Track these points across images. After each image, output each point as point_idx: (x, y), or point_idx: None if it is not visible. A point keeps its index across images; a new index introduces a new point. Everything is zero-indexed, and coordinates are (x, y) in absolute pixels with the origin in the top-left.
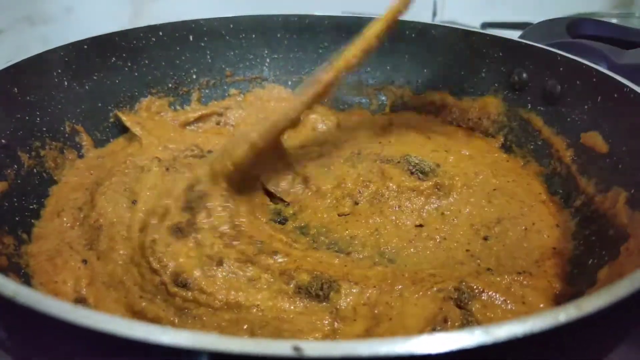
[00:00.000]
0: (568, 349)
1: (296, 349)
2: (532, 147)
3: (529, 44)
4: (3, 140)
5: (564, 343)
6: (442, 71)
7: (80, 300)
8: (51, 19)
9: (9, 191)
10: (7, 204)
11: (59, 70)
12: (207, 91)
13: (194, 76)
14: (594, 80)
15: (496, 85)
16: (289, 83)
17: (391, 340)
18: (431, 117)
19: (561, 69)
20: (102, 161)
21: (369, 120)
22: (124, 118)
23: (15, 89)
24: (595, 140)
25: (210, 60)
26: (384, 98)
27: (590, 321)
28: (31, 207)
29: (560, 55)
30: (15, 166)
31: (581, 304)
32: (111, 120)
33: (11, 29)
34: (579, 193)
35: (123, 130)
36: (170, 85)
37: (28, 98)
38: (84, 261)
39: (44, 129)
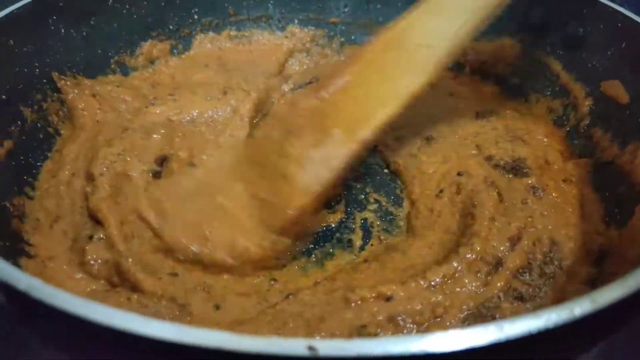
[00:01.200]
0: (579, 342)
1: (311, 348)
2: (549, 93)
3: None
4: (4, 96)
5: (578, 336)
6: None
7: None
8: None
9: (15, 149)
10: (14, 163)
11: (54, 17)
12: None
13: (196, 16)
14: (619, 24)
15: (514, 26)
16: (295, 21)
17: (405, 339)
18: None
19: (584, 10)
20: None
21: None
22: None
23: (11, 41)
24: (616, 89)
25: None
26: None
27: (604, 314)
28: (38, 164)
29: None
30: (19, 122)
31: (595, 297)
32: (112, 67)
33: None
34: (595, 145)
35: (124, 74)
36: (171, 27)
37: (25, 49)
38: None
39: (44, 80)
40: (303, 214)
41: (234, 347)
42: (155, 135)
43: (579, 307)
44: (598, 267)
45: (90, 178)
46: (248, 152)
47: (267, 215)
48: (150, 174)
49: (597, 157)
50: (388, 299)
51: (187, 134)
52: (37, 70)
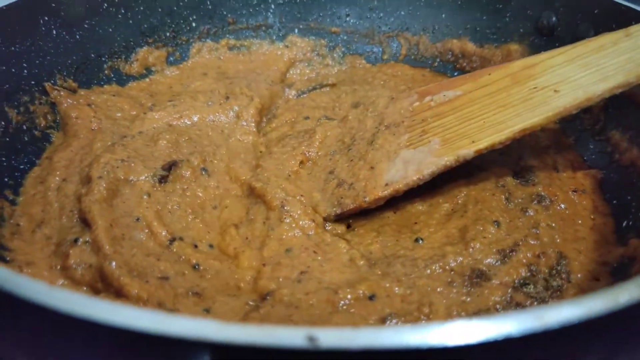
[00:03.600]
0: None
1: (311, 338)
2: None
3: None
4: None
5: (623, 328)
6: (462, 16)
7: None
8: None
9: None
10: None
11: (46, 18)
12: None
13: (194, 24)
14: (633, 23)
15: (521, 30)
16: (296, 31)
17: (421, 328)
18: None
19: (596, 11)
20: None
21: None
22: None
23: None
24: (632, 88)
25: (210, 7)
26: (397, 46)
27: None
28: (21, 167)
29: None
30: (3, 123)
31: None
32: (106, 72)
33: None
34: (612, 148)
35: (119, 82)
36: (168, 34)
37: (13, 48)
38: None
39: (33, 82)
40: (374, 205)
41: (225, 339)
42: (161, 142)
43: (626, 293)
44: (618, 276)
45: (87, 181)
46: (336, 130)
47: (341, 194)
48: (157, 179)
49: (614, 161)
50: (371, 297)
51: (194, 137)
52: (25, 71)
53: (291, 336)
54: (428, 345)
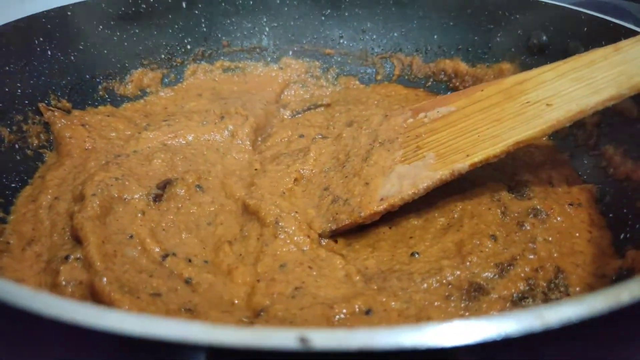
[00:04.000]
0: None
1: (302, 340)
2: None
3: (550, 4)
4: None
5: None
6: (454, 37)
7: None
8: None
9: None
10: None
11: (41, 39)
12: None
13: (188, 46)
14: (622, 39)
15: (512, 50)
16: (290, 53)
17: (418, 329)
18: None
19: (585, 29)
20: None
21: None
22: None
23: None
24: (624, 103)
25: (205, 29)
26: (390, 67)
27: None
28: (12, 185)
29: (585, 13)
30: None
31: None
32: (100, 93)
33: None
34: (607, 162)
35: (113, 103)
36: (162, 56)
37: (7, 68)
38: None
39: (26, 101)
40: (369, 220)
41: (218, 342)
42: (155, 160)
43: (627, 292)
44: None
45: (80, 198)
46: (331, 147)
47: (336, 210)
48: (151, 198)
49: (609, 175)
50: (367, 312)
51: (188, 156)
52: (19, 90)
53: (283, 337)
54: (425, 345)
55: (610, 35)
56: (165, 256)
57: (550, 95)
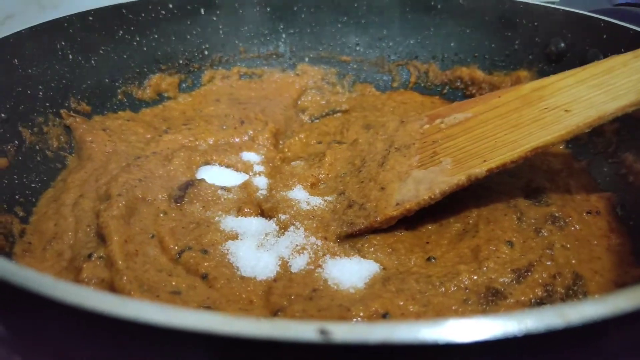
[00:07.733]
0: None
1: (323, 332)
2: None
3: (569, 11)
4: (3, 114)
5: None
6: (471, 44)
7: None
8: (61, 3)
9: (9, 168)
10: (6, 181)
11: (63, 43)
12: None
13: (206, 52)
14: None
15: (530, 57)
16: (306, 59)
17: (442, 323)
18: None
19: (604, 36)
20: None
21: None
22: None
23: (16, 60)
24: None
25: (222, 36)
26: (406, 74)
27: None
28: (32, 185)
29: (604, 21)
30: (16, 142)
31: None
32: (119, 97)
33: (21, 13)
34: (626, 169)
35: (132, 108)
36: (180, 61)
37: (30, 71)
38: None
39: (47, 104)
40: (385, 224)
41: (236, 332)
42: (175, 160)
43: None
44: None
45: (106, 197)
46: (346, 153)
47: (352, 214)
48: (173, 199)
49: (629, 182)
50: (384, 315)
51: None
52: (41, 93)
53: (304, 329)
54: (445, 341)
55: (630, 42)
56: (181, 252)
57: (569, 101)
